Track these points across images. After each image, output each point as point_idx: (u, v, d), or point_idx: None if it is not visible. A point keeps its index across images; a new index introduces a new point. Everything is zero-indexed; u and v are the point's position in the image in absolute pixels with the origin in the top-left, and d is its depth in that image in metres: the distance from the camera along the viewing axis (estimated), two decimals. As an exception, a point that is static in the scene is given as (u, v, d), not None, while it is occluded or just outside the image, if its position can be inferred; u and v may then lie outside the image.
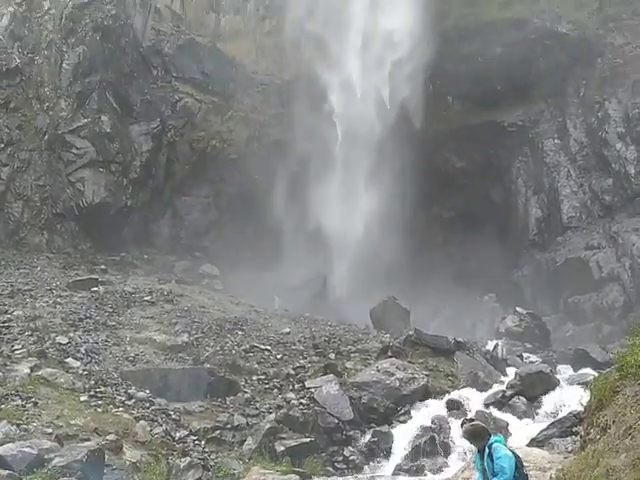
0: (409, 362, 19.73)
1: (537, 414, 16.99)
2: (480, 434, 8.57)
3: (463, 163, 32.69)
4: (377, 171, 31.84)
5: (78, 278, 26.02)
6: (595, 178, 29.20)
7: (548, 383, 18.01)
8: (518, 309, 26.81)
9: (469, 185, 31.75)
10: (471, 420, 9.21)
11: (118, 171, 32.49)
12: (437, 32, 31.53)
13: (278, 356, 21.10)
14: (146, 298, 24.83)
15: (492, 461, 8.30)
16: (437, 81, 33.48)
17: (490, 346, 22.92)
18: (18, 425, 13.77)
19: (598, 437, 9.93)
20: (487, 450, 8.36)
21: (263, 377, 19.53)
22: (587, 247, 27.97)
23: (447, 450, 15.95)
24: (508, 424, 16.23)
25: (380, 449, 16.47)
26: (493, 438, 8.53)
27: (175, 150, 34.28)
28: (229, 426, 16.69)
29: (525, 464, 10.26)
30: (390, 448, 16.43)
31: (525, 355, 23.35)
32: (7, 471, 12.20)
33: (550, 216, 29.98)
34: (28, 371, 16.64)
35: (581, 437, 10.94)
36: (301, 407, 17.48)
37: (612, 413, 9.83)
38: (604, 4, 30.84)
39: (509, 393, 17.89)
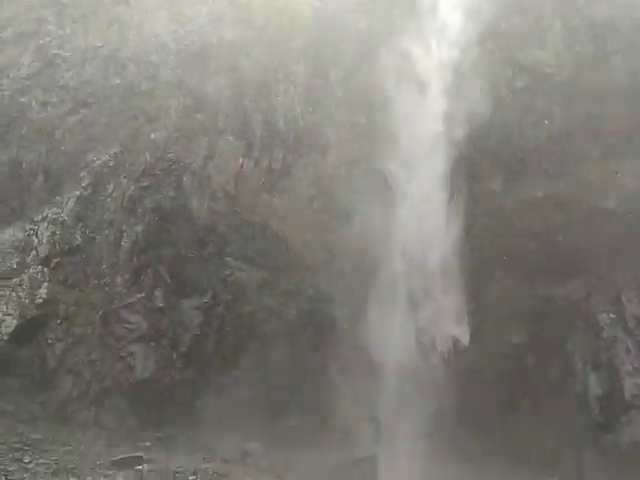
0: None
1: None
2: None
3: (518, 339, 32.07)
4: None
5: (122, 456, 25.52)
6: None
7: None
8: (585, 495, 24.90)
9: (524, 360, 30.92)
10: None
11: (168, 345, 32.78)
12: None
13: None
14: (190, 478, 24.14)
15: None
16: (484, 255, 33.83)
17: None
18: None
19: None
20: None
21: None
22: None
23: None
24: None
25: None
26: None
27: (225, 324, 34.58)
28: None
29: None
30: None
31: None
32: None
33: (612, 394, 28.69)
34: None
35: None
36: None
37: None
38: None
39: None
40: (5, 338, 29.36)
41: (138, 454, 26.05)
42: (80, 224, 32.74)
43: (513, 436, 28.43)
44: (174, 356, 32.76)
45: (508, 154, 35.08)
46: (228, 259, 35.30)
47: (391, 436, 29.81)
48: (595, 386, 29.44)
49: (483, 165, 35.54)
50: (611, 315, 29.94)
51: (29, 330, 29.97)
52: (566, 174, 33.46)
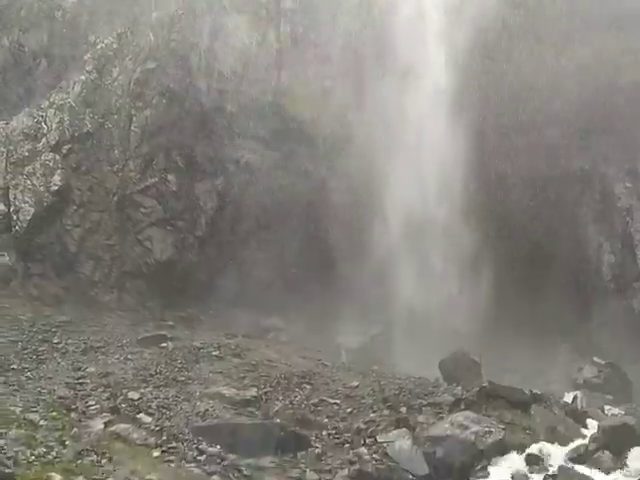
0: (484, 415, 19.05)
1: (625, 469, 16.06)
2: None
3: (533, 204, 32.08)
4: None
5: (147, 334, 26.38)
6: (670, 220, 28.37)
7: (635, 437, 17.10)
8: (596, 359, 25.75)
9: (538, 229, 31.14)
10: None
11: (184, 228, 33.24)
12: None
13: (348, 410, 20.72)
14: (214, 353, 24.95)
15: None
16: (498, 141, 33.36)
17: (568, 398, 22.02)
18: (93, 481, 13.82)
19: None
20: None
21: (333, 432, 19.17)
22: (666, 293, 26.99)
23: (529, 508, 15.18)
24: (594, 480, 15.40)
25: (459, 506, 15.75)
26: None
27: (240, 205, 34.77)
28: (301, 483, 16.39)
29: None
30: (469, 505, 15.70)
31: (607, 407, 22.28)
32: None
33: (625, 261, 29.09)
34: (102, 427, 16.82)
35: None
36: (374, 462, 17.00)
37: None
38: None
39: (592, 447, 17.09)
40: (24, 225, 29.78)
41: (162, 332, 26.89)
42: (88, 110, 32.24)
43: (524, 302, 28.83)
44: (191, 239, 33.29)
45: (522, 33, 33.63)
46: (239, 141, 35.00)
47: (408, 310, 30.54)
48: (609, 254, 29.81)
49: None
50: (627, 184, 29.84)
51: (46, 217, 30.31)
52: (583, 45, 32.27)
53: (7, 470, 13.75)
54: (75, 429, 16.45)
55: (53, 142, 31.28)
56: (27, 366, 21.43)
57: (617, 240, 29.60)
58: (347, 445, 18.46)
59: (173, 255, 32.54)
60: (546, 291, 28.57)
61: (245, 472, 16.55)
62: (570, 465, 16.21)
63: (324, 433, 19.06)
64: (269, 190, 34.74)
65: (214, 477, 15.64)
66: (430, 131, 32.41)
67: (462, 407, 19.83)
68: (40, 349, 23.32)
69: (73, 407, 18.29)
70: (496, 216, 32.01)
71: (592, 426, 19.05)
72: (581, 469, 15.99)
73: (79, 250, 30.72)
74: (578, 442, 17.78)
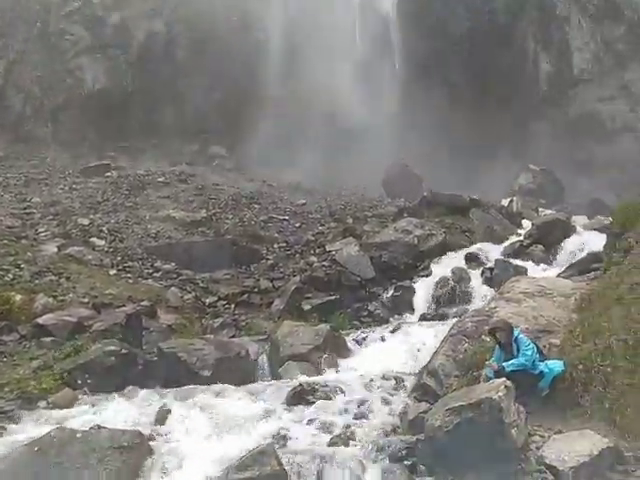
0: (426, 220, 19.91)
1: (556, 259, 17.31)
2: (507, 328, 9.30)
3: (469, 23, 31.57)
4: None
5: (90, 165, 26.11)
6: (607, 27, 28.34)
7: (565, 230, 18.32)
8: (531, 166, 26.73)
9: (476, 46, 30.77)
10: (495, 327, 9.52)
11: (116, 56, 31.84)
12: None
13: (296, 225, 21.43)
14: (160, 179, 25.00)
15: (519, 350, 9.03)
16: None
17: (505, 202, 23.10)
18: (54, 297, 14.22)
19: (621, 259, 10.25)
20: (514, 344, 9.09)
21: (284, 245, 19.87)
22: (599, 99, 27.59)
23: (468, 298, 16.30)
24: (527, 269, 16.56)
25: (403, 302, 16.68)
26: (517, 331, 9.31)
27: (173, 30, 33.16)
28: (256, 290, 17.18)
29: (549, 291, 10.71)
30: (413, 301, 16.73)
31: (540, 209, 23.53)
32: (50, 338, 12.78)
33: (561, 70, 29.32)
34: (56, 250, 17.04)
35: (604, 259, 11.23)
36: (324, 269, 17.81)
37: (636, 234, 10.05)
38: None
39: (526, 242, 18.24)
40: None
41: (105, 162, 26.64)
42: None
43: (465, 118, 29.05)
44: (124, 67, 31.99)
45: None
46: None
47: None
48: (544, 63, 29.90)
49: None
50: (566, -8, 29.45)
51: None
52: None
53: (-34, 293, 14.04)
54: (29, 253, 16.63)
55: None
56: (-32, 199, 21.20)
57: (554, 49, 29.58)
58: (298, 255, 19.23)
59: (107, 84, 31.38)
60: (484, 107, 28.80)
61: (201, 284, 17.23)
62: (506, 259, 17.31)
63: (275, 246, 19.75)
64: (205, 19, 32.85)
65: (172, 289, 16.24)
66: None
67: (405, 215, 20.64)
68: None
69: (23, 235, 18.36)
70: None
71: (527, 225, 20.21)
72: (516, 261, 17.11)
73: (6, 83, 29.40)
74: (513, 239, 18.92)
